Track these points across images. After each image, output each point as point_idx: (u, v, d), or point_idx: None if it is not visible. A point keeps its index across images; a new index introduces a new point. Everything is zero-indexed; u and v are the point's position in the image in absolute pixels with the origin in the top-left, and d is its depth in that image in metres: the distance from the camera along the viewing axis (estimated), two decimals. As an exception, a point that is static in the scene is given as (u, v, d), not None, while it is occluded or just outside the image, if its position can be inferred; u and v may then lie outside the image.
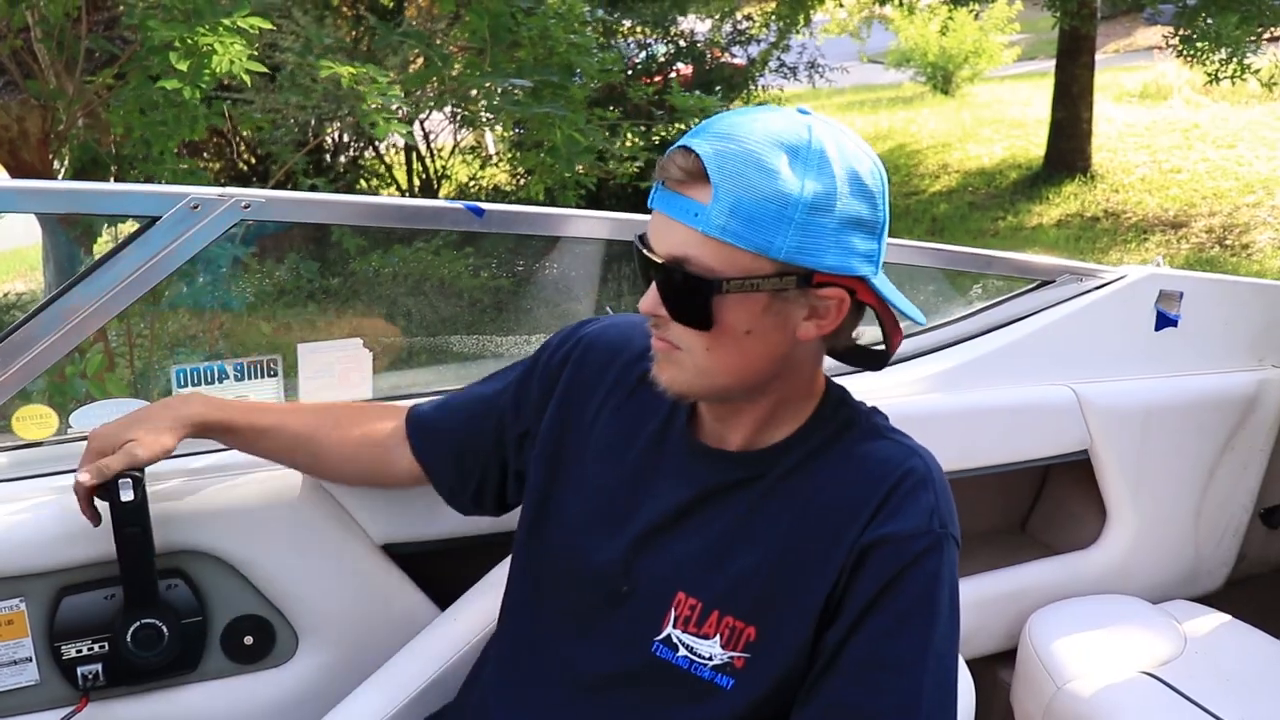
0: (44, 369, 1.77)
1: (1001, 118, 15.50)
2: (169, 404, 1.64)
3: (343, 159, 11.09)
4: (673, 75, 11.24)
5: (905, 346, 2.25)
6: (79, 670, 1.74)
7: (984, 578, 2.35)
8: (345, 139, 10.71)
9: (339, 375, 1.84)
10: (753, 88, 12.60)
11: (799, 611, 1.35)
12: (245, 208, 1.70)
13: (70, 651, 1.73)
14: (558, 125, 4.88)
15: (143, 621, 1.72)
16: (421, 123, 10.04)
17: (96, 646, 1.73)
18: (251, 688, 1.84)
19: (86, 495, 1.58)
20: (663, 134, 7.14)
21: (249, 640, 1.81)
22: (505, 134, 9.20)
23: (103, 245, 5.87)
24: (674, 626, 1.40)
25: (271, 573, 1.79)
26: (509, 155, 10.10)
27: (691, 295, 1.27)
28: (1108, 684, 2.07)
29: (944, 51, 17.78)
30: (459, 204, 1.78)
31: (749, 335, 1.29)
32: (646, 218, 1.99)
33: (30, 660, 1.75)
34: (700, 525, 1.42)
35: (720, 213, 1.22)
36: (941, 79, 18.21)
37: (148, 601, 1.72)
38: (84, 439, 1.64)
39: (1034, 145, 13.53)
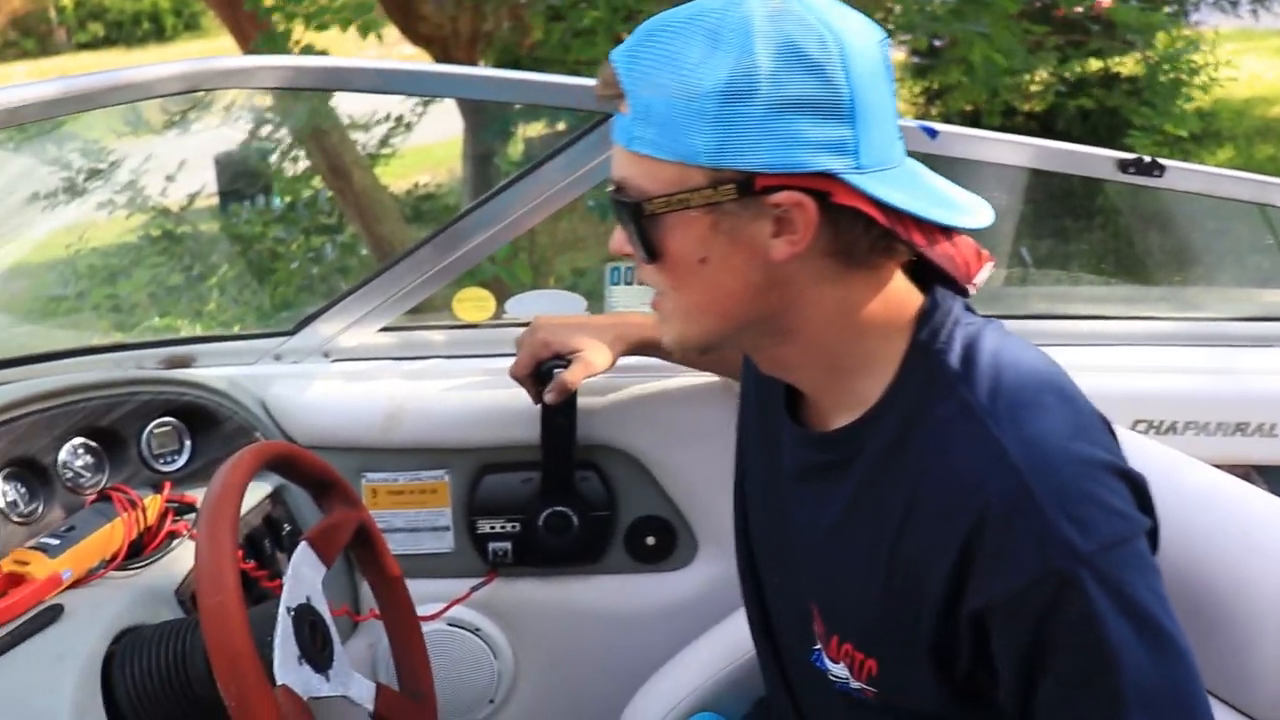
0: (485, 256, 1.85)
1: None
2: (611, 323, 1.65)
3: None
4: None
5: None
6: (490, 546, 1.82)
7: None
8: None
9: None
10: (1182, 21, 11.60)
11: (914, 655, 1.09)
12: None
13: (484, 527, 1.81)
14: (977, 44, 4.63)
15: (556, 509, 1.77)
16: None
17: (509, 526, 1.80)
18: (646, 588, 1.87)
19: (527, 377, 1.63)
20: (1096, 62, 6.58)
21: (650, 540, 1.84)
22: (904, 55, 8.91)
23: (516, 143, 6.13)
24: (819, 643, 1.22)
25: (682, 477, 1.80)
26: (906, 80, 9.79)
27: (632, 223, 1.07)
28: None
29: None
30: (912, 123, 1.71)
31: (705, 264, 1.06)
32: (1065, 146, 1.88)
33: (448, 529, 1.84)
34: (804, 522, 1.22)
35: (635, 122, 1.04)
36: None
37: (563, 490, 1.77)
38: (517, 325, 1.69)
39: None
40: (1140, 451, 1.40)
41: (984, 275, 1.12)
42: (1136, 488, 1.04)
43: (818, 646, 1.22)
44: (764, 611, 1.38)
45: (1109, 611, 0.97)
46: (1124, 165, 1.75)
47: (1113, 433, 1.11)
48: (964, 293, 1.12)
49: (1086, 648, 0.98)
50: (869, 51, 1.02)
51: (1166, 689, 0.99)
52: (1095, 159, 1.78)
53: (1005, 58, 4.62)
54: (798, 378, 1.18)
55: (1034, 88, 5.17)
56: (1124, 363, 1.84)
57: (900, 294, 1.12)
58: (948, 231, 1.08)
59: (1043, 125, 6.69)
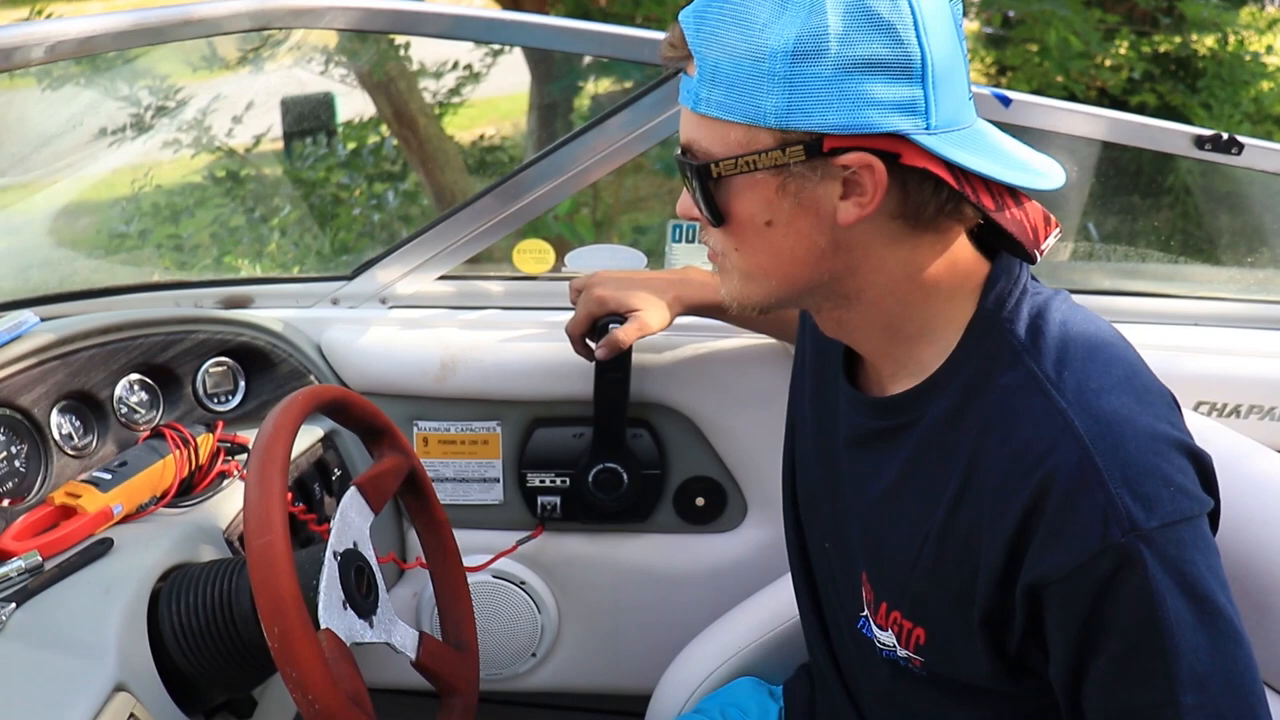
0: (547, 208, 1.83)
1: None
2: (670, 281, 1.63)
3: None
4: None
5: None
6: (539, 500, 1.81)
7: None
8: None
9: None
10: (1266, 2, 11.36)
11: (966, 626, 1.09)
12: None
13: (534, 480, 1.80)
14: (1054, 23, 4.55)
15: (606, 465, 1.76)
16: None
17: (559, 480, 1.79)
18: (694, 548, 1.85)
19: (580, 335, 1.61)
20: (1165, 44, 6.55)
21: (700, 501, 1.82)
22: (977, 27, 8.76)
23: (582, 98, 6.10)
24: (866, 610, 1.22)
25: (734, 439, 1.78)
26: (978, 52, 9.65)
27: (697, 186, 1.06)
28: None
29: None
30: (986, 89, 1.67)
31: (770, 227, 1.05)
32: (1151, 121, 1.83)
33: (498, 481, 1.83)
34: (857, 488, 1.22)
35: (703, 84, 1.02)
36: None
37: (614, 446, 1.76)
38: (576, 278, 1.68)
39: None
40: (1202, 434, 1.37)
41: (1051, 242, 1.09)
42: (1202, 466, 1.02)
43: (865, 614, 1.21)
44: (810, 578, 1.37)
45: (1168, 590, 0.96)
46: (1200, 141, 1.71)
47: (1179, 410, 1.08)
48: (1031, 259, 1.09)
49: (1143, 625, 0.96)
50: (941, 11, 1.00)
51: (1221, 673, 0.97)
52: (1171, 134, 1.73)
53: (1078, 40, 4.55)
54: (858, 341, 1.17)
55: (1106, 65, 5.06)
56: (1189, 343, 1.79)
57: (966, 260, 1.10)
58: (1016, 196, 1.06)
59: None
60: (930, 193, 1.02)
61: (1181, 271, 3.01)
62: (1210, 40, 5.95)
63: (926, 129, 0.99)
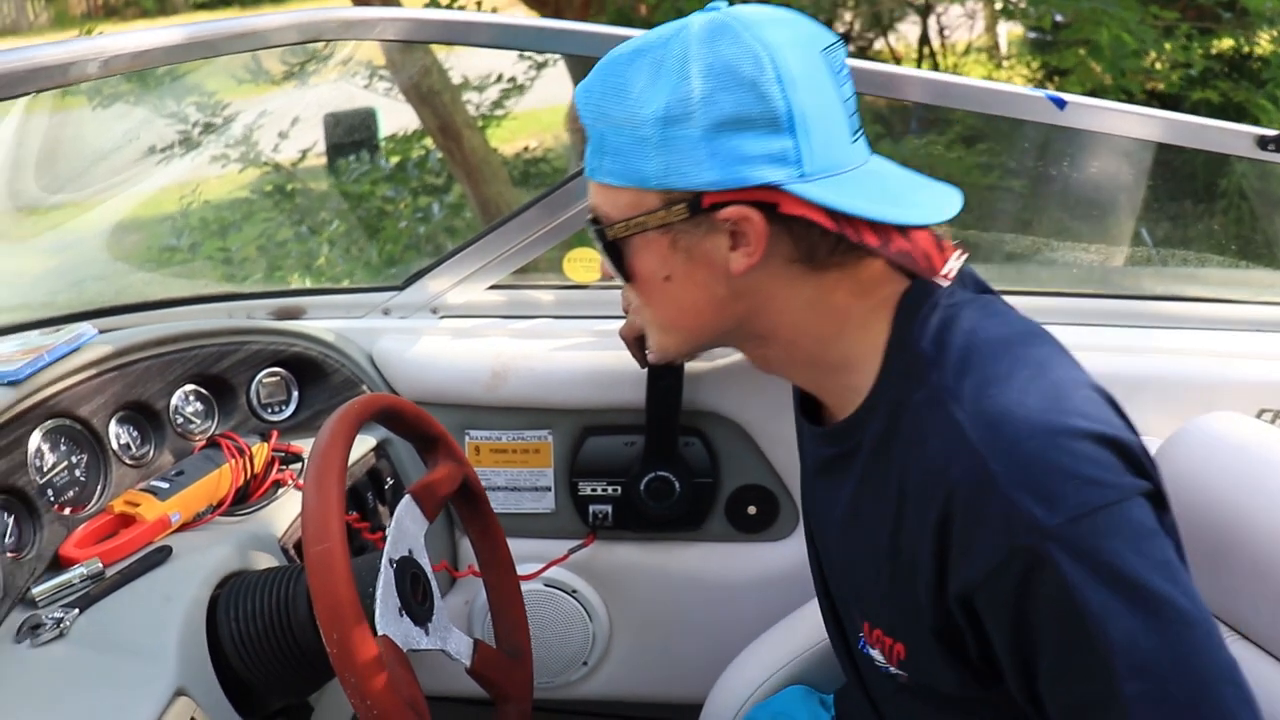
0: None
1: None
2: None
3: (851, 48, 11.00)
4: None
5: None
6: (590, 508, 1.81)
7: None
8: (857, 27, 10.59)
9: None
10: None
11: (927, 638, 1.10)
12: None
13: (586, 489, 1.80)
14: (1105, 22, 4.49)
15: (658, 473, 1.76)
16: (938, 16, 9.72)
17: (610, 489, 1.79)
18: (746, 557, 1.85)
19: (635, 338, 1.61)
20: (1228, 40, 6.37)
21: (752, 510, 1.82)
22: (1021, 32, 8.69)
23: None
24: (862, 630, 1.23)
25: (786, 447, 1.77)
26: (1023, 57, 9.57)
27: (602, 248, 1.13)
28: None
29: None
30: (1040, 92, 1.65)
31: (670, 281, 1.11)
32: (1211, 122, 1.80)
33: (549, 490, 1.83)
34: (825, 515, 1.26)
35: (594, 153, 1.10)
36: None
37: (666, 454, 1.75)
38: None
39: None
40: (1263, 440, 1.35)
41: (954, 264, 1.11)
42: (1125, 451, 1.00)
43: (861, 634, 1.23)
44: (830, 598, 1.38)
45: (1085, 582, 0.95)
46: (1264, 142, 1.68)
47: (1110, 402, 1.07)
48: (933, 284, 1.11)
49: (1068, 621, 0.96)
50: (808, 61, 1.05)
51: (1167, 658, 0.95)
52: (1231, 134, 1.71)
53: (1132, 39, 4.49)
54: (790, 376, 1.22)
55: (1158, 67, 4.98)
56: (1249, 349, 1.77)
57: (879, 286, 1.12)
58: (903, 229, 1.08)
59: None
60: (818, 236, 1.06)
61: (1239, 277, 2.97)
62: (1267, 38, 5.84)
63: (801, 177, 1.03)
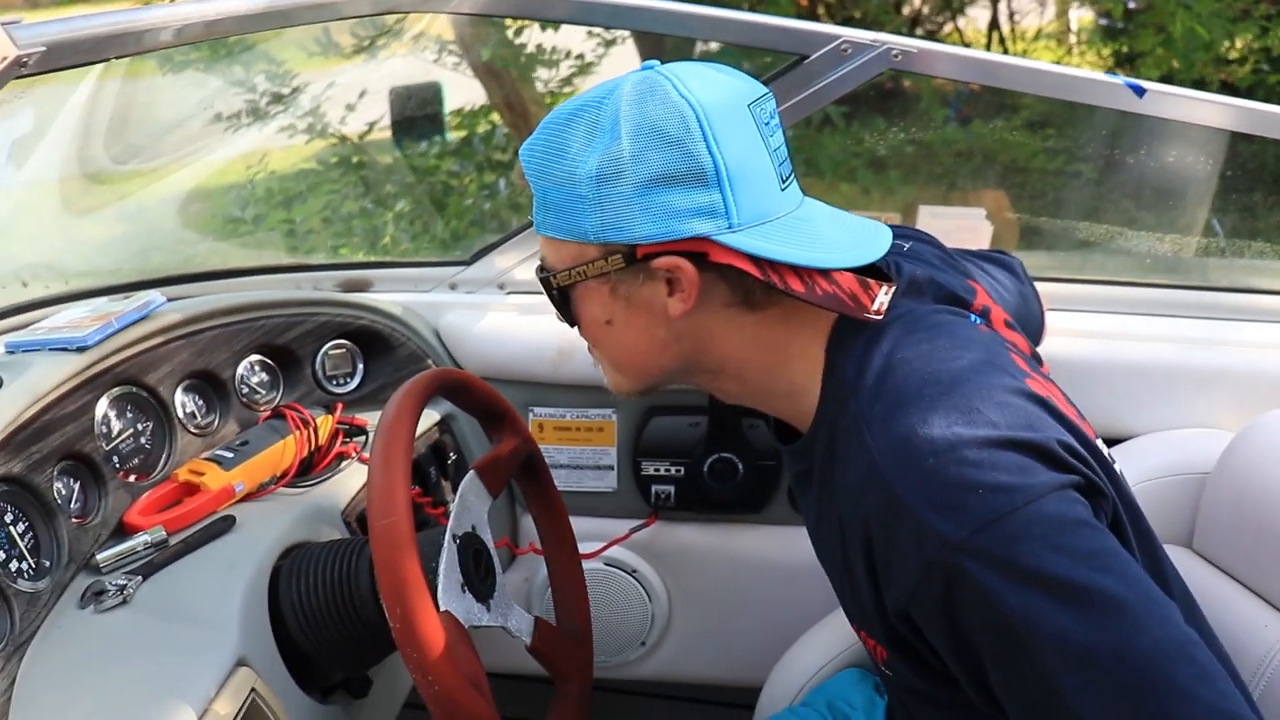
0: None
1: None
2: None
3: (919, 31, 10.85)
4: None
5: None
6: (653, 488, 1.80)
7: None
8: (926, 11, 10.46)
9: (954, 243, 1.74)
10: None
11: (894, 641, 1.12)
12: (896, 57, 1.62)
13: (649, 469, 1.79)
14: (1179, 13, 4.39)
15: (721, 454, 1.74)
16: (1009, 0, 9.58)
17: (673, 469, 1.78)
18: (806, 541, 1.80)
19: None
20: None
21: None
22: (1092, 18, 8.52)
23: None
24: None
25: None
26: (1094, 44, 9.41)
27: (550, 296, 1.21)
28: None
29: None
30: (1119, 79, 1.61)
31: (611, 325, 1.19)
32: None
33: (612, 469, 1.82)
34: (805, 519, 1.32)
35: (538, 209, 1.17)
36: None
37: (730, 436, 1.74)
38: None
39: None
40: None
41: (883, 299, 1.13)
42: (1040, 451, 1.02)
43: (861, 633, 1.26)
44: None
45: (1005, 588, 0.96)
46: None
47: (1040, 404, 1.08)
48: (863, 321, 1.14)
49: (995, 628, 0.97)
50: (735, 116, 1.10)
51: (1105, 646, 0.94)
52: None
53: (1205, 31, 4.38)
54: (749, 404, 1.26)
55: (1233, 55, 4.84)
56: None
57: (817, 317, 1.17)
58: (826, 272, 1.12)
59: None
60: (751, 280, 1.12)
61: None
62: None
63: (729, 228, 1.09)
